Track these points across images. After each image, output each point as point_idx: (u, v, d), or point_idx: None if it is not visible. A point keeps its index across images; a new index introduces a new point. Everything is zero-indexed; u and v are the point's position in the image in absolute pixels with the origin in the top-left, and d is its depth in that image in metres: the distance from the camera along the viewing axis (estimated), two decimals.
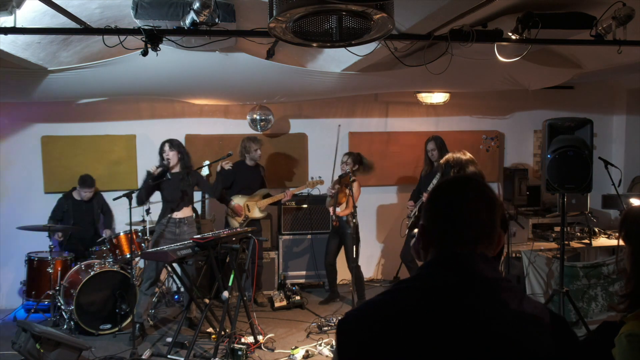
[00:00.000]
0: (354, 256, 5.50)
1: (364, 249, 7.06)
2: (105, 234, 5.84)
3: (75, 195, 5.97)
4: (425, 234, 1.26)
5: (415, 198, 5.84)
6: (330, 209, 5.68)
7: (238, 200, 5.93)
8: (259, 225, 6.03)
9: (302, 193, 6.59)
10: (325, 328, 5.19)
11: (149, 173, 5.03)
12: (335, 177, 5.81)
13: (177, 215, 5.14)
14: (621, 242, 1.78)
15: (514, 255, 5.41)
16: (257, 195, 6.07)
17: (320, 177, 6.14)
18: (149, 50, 3.52)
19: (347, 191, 5.53)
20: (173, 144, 5.12)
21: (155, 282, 5.13)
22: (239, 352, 4.44)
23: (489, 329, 1.11)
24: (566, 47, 5.11)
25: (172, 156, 5.06)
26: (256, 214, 6.01)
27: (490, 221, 1.21)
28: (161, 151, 5.10)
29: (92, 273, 5.14)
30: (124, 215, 4.94)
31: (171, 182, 5.05)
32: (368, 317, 1.16)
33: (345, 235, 5.72)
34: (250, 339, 4.84)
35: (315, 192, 6.68)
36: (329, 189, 5.85)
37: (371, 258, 7.16)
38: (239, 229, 5.38)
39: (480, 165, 7.10)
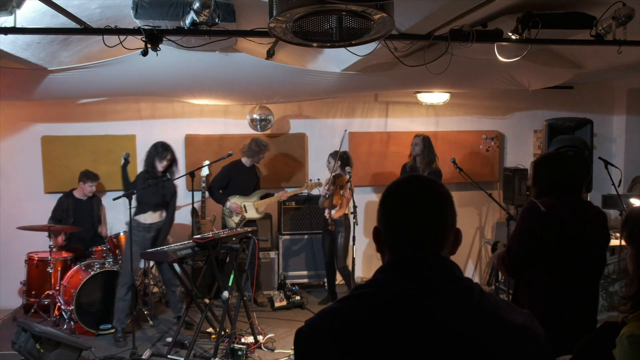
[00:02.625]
0: (344, 256, 5.51)
1: (363, 249, 7.08)
2: (102, 230, 5.86)
3: (76, 194, 5.97)
4: (378, 236, 1.24)
5: None
6: (326, 212, 5.67)
7: (235, 201, 5.93)
8: (255, 225, 6.02)
9: (301, 193, 6.60)
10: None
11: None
12: (330, 177, 5.79)
13: (147, 219, 5.09)
14: (623, 243, 1.78)
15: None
16: (254, 195, 6.07)
17: (319, 179, 6.14)
18: (149, 50, 3.52)
19: (342, 192, 5.53)
20: (173, 153, 5.11)
21: (131, 287, 5.03)
22: (239, 352, 4.44)
23: (444, 332, 1.08)
24: (566, 47, 5.11)
25: (165, 165, 5.05)
26: (253, 214, 6.01)
27: (441, 220, 1.18)
28: (161, 159, 5.03)
29: (92, 273, 5.14)
30: (124, 215, 4.94)
31: (155, 186, 5.03)
32: (324, 325, 1.14)
33: (336, 234, 5.72)
34: (250, 339, 4.84)
35: (315, 192, 6.68)
36: (322, 188, 5.83)
37: (371, 258, 7.16)
38: (238, 229, 5.39)
39: (480, 165, 7.13)
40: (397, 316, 1.09)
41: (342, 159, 5.73)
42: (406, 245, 1.18)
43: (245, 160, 6.02)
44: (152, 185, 4.99)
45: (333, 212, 5.66)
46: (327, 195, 5.64)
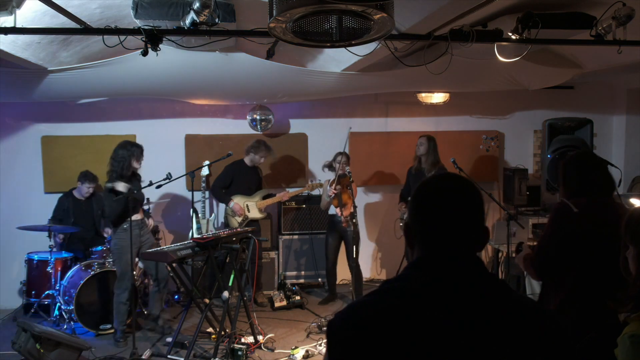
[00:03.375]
0: (355, 255, 5.50)
1: (364, 249, 7.08)
2: (107, 233, 5.84)
3: (76, 194, 5.97)
4: (409, 232, 1.26)
5: (406, 198, 5.85)
6: (337, 210, 5.66)
7: (237, 200, 5.93)
8: (257, 225, 6.03)
9: (302, 193, 6.60)
10: (325, 328, 5.18)
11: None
12: (333, 178, 5.78)
13: (137, 216, 5.08)
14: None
15: (514, 255, 5.40)
16: (256, 195, 6.07)
17: (320, 180, 6.14)
18: (149, 50, 3.52)
19: (349, 191, 5.52)
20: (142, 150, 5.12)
21: (133, 290, 5.01)
22: (239, 352, 4.44)
23: (472, 327, 1.10)
24: (566, 47, 5.11)
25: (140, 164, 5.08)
26: (255, 214, 6.01)
27: (472, 218, 1.21)
28: (138, 159, 5.05)
29: (92, 273, 5.14)
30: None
31: (137, 186, 5.03)
32: (355, 317, 1.17)
33: (347, 234, 5.71)
34: (250, 339, 4.84)
35: (315, 192, 6.68)
36: (329, 188, 5.81)
37: (372, 258, 7.17)
38: (239, 229, 5.39)
39: (480, 165, 7.14)
40: (426, 311, 1.12)
41: (348, 158, 5.74)
42: (437, 242, 1.20)
43: (247, 160, 6.02)
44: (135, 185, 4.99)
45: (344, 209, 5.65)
46: (333, 196, 5.63)
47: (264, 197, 6.10)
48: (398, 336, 1.10)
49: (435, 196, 1.23)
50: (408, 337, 1.09)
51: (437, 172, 5.57)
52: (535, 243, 3.37)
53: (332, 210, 5.82)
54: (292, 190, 6.32)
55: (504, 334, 1.11)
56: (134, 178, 5.08)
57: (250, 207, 5.99)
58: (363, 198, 6.97)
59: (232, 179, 5.98)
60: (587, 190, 2.60)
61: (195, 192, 5.93)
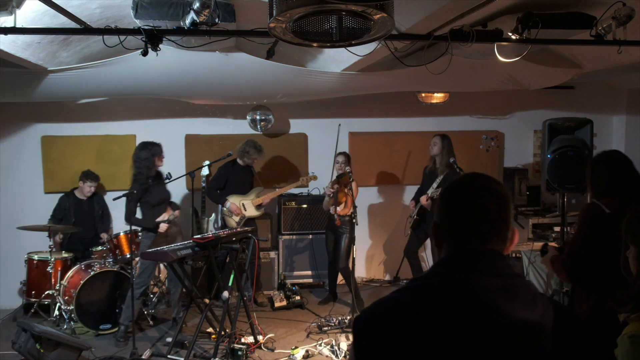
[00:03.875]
0: (347, 256, 5.50)
1: (365, 249, 7.08)
2: (103, 237, 5.85)
3: (77, 194, 5.97)
4: (438, 231, 1.28)
5: (418, 197, 5.83)
6: (331, 208, 5.67)
7: (233, 200, 5.93)
8: (255, 224, 6.02)
9: (302, 193, 6.60)
10: (325, 328, 5.19)
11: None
12: (334, 178, 5.80)
13: (164, 216, 5.15)
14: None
15: (514, 255, 5.42)
16: (251, 193, 6.08)
17: (313, 172, 6.14)
18: (149, 50, 3.52)
19: (347, 190, 5.52)
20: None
21: (148, 288, 5.12)
22: (239, 352, 4.44)
23: (499, 325, 1.12)
24: (566, 47, 5.11)
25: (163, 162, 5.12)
26: (252, 212, 6.01)
27: (500, 218, 1.22)
28: (160, 156, 5.08)
29: (92, 273, 5.14)
30: (124, 214, 4.94)
31: (158, 186, 5.10)
32: (382, 314, 1.18)
33: (340, 235, 5.71)
34: (250, 339, 4.84)
35: (315, 192, 6.68)
36: (327, 188, 5.82)
37: (372, 258, 7.17)
38: (239, 229, 5.39)
39: (480, 165, 7.14)
40: (454, 308, 1.12)
41: (348, 158, 5.74)
42: (466, 240, 1.21)
43: (240, 160, 6.02)
44: (154, 185, 5.04)
45: (338, 208, 5.65)
46: (332, 195, 5.63)
47: (259, 195, 6.11)
48: (424, 333, 1.11)
49: (465, 195, 1.24)
50: (434, 334, 1.11)
51: (451, 171, 5.49)
52: (557, 244, 3.30)
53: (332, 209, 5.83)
54: (287, 185, 6.32)
55: (531, 333, 1.12)
56: (158, 177, 5.13)
57: (247, 205, 5.99)
58: (363, 198, 6.96)
59: (226, 180, 5.99)
60: (619, 189, 2.54)
61: (195, 192, 5.93)
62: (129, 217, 4.90)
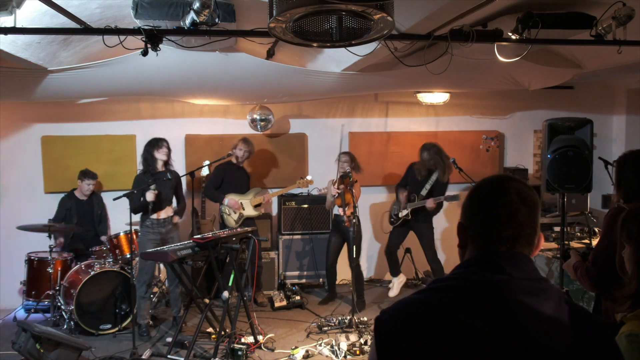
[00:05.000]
0: (355, 256, 5.50)
1: (365, 249, 7.08)
2: (103, 240, 5.87)
3: (77, 194, 5.98)
4: (464, 232, 1.26)
5: (413, 193, 5.88)
6: (340, 210, 5.67)
7: (232, 197, 5.93)
8: (254, 224, 6.02)
9: (302, 193, 6.60)
10: (325, 328, 5.19)
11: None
12: (337, 178, 5.79)
13: (162, 215, 5.18)
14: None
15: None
16: (250, 193, 6.08)
17: (310, 177, 6.16)
18: (149, 50, 3.52)
19: (351, 191, 5.52)
20: (166, 141, 5.20)
21: (151, 284, 5.16)
22: (239, 352, 4.44)
23: (523, 328, 1.11)
24: (566, 47, 5.11)
25: (167, 155, 5.14)
26: (250, 211, 6.01)
27: (530, 222, 1.20)
28: (158, 148, 5.11)
29: (92, 273, 5.14)
30: (124, 215, 4.94)
31: (162, 183, 5.11)
32: (405, 314, 1.16)
33: (349, 235, 5.71)
34: (250, 339, 4.85)
35: (315, 192, 6.68)
36: (332, 188, 5.81)
37: (372, 258, 7.17)
38: (238, 229, 5.39)
39: (480, 165, 7.14)
40: (480, 311, 1.11)
41: (355, 161, 5.74)
42: (493, 242, 1.20)
43: (233, 159, 6.03)
44: (156, 182, 5.05)
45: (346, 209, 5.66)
46: (337, 195, 5.63)
47: (257, 195, 6.11)
48: (446, 334, 1.09)
49: (496, 197, 1.22)
50: (457, 335, 1.09)
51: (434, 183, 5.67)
52: (580, 246, 3.16)
53: (337, 210, 5.83)
54: (283, 188, 6.35)
55: (554, 337, 1.12)
56: (162, 174, 5.15)
57: (245, 204, 5.99)
58: (363, 198, 6.95)
59: (222, 179, 5.99)
60: None
61: (195, 192, 5.93)
62: (133, 209, 4.96)
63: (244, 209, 5.97)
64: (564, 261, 2.82)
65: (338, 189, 5.62)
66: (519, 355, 1.09)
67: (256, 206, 6.07)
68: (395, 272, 6.13)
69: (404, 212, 5.89)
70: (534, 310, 1.12)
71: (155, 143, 5.15)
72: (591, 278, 2.54)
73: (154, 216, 5.15)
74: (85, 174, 5.88)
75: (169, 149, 5.23)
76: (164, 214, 5.22)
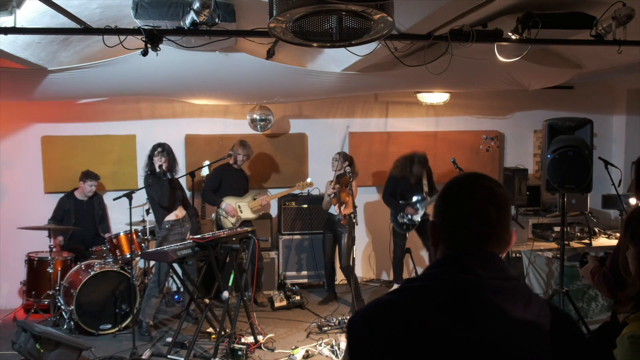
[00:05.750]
0: (348, 256, 5.51)
1: (364, 249, 7.08)
2: (107, 238, 5.87)
3: (77, 194, 5.97)
4: (435, 231, 1.26)
5: (406, 204, 5.95)
6: (335, 208, 5.67)
7: (229, 201, 5.92)
8: (252, 225, 6.01)
9: (301, 193, 6.59)
10: (325, 328, 5.19)
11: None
12: (333, 178, 5.79)
13: (179, 215, 5.24)
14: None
15: (514, 255, 5.41)
16: (248, 196, 6.08)
17: (309, 180, 6.17)
18: (149, 50, 3.52)
19: (348, 190, 5.52)
20: (165, 148, 5.16)
21: (164, 287, 5.26)
22: (239, 352, 4.44)
23: (494, 326, 1.11)
24: (566, 47, 5.11)
25: (163, 161, 5.12)
26: (248, 214, 6.01)
27: (500, 220, 1.20)
28: (156, 155, 5.13)
29: (92, 273, 5.14)
30: (124, 215, 4.94)
31: (162, 183, 5.12)
32: (378, 316, 1.17)
33: (340, 235, 5.72)
34: (250, 339, 4.84)
35: (315, 192, 6.68)
36: (328, 188, 5.81)
37: (371, 258, 7.17)
38: (238, 229, 5.38)
39: (480, 165, 7.14)
40: (450, 311, 1.12)
41: (349, 160, 5.75)
42: (463, 242, 1.20)
43: (231, 162, 6.01)
44: (157, 184, 5.06)
45: (342, 208, 5.67)
46: (332, 195, 5.63)
47: (256, 198, 6.10)
48: (415, 334, 1.10)
49: (465, 196, 1.22)
50: (425, 335, 1.10)
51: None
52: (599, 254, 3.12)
53: (332, 209, 5.83)
54: (282, 191, 6.35)
55: (526, 336, 1.12)
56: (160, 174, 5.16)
57: (243, 207, 5.98)
58: (362, 198, 6.97)
59: (220, 181, 5.98)
60: None
61: (195, 192, 5.93)
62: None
63: (241, 212, 5.96)
64: (581, 266, 2.78)
65: (333, 188, 5.63)
66: (486, 354, 1.09)
67: (254, 209, 6.07)
68: (399, 280, 6.22)
69: (421, 214, 5.95)
70: (502, 309, 1.12)
71: (155, 148, 5.16)
72: (608, 283, 2.52)
73: (172, 217, 5.18)
74: (88, 175, 5.88)
75: (169, 156, 5.15)
76: (180, 213, 5.27)
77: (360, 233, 6.77)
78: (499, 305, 1.13)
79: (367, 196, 7.03)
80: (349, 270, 5.65)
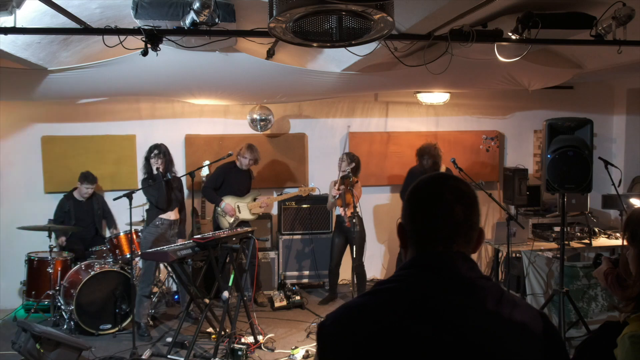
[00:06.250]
0: (358, 256, 5.51)
1: (367, 249, 7.07)
2: (113, 233, 5.90)
3: (76, 195, 5.97)
4: (403, 232, 1.25)
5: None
6: (341, 210, 5.67)
7: (229, 201, 5.92)
8: (250, 226, 6.01)
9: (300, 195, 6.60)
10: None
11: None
12: (338, 178, 5.80)
13: (172, 216, 5.24)
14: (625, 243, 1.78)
15: (514, 255, 5.41)
16: (248, 197, 6.07)
17: (312, 184, 6.18)
18: (149, 50, 3.52)
19: (352, 191, 5.53)
20: (161, 150, 5.16)
21: (155, 284, 5.21)
22: (239, 352, 4.44)
23: (465, 327, 1.10)
24: (566, 47, 5.11)
25: (160, 163, 5.12)
26: (246, 215, 6.01)
27: (467, 220, 1.19)
28: (153, 157, 5.14)
29: (92, 273, 5.14)
30: (124, 215, 4.94)
31: (162, 184, 5.14)
32: (347, 319, 1.16)
33: (351, 235, 5.72)
34: (250, 339, 4.84)
35: (315, 192, 6.68)
36: (332, 189, 5.81)
37: (372, 258, 7.15)
38: (238, 229, 5.38)
39: (480, 165, 7.14)
40: (419, 312, 1.11)
41: (356, 161, 5.74)
42: (431, 242, 1.19)
43: (238, 163, 6.01)
44: (154, 186, 5.07)
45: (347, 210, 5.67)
46: (337, 196, 5.63)
47: (256, 199, 6.10)
48: (384, 337, 1.09)
49: (430, 197, 1.21)
50: (398, 340, 1.09)
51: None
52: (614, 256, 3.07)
53: (339, 210, 5.83)
54: (283, 194, 6.35)
55: (498, 336, 1.11)
56: (159, 176, 5.17)
57: (242, 208, 5.98)
58: (363, 197, 6.95)
59: (222, 180, 5.98)
60: None
61: (195, 192, 5.92)
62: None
63: (239, 213, 5.96)
64: (595, 268, 2.78)
65: (338, 189, 5.63)
66: (456, 355, 1.08)
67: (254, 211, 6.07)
68: None
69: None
70: (471, 308, 1.12)
71: (152, 150, 5.17)
72: (622, 286, 2.48)
73: (165, 216, 5.18)
74: (86, 178, 5.85)
75: (165, 158, 5.15)
76: (174, 215, 5.26)
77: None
78: (468, 305, 1.12)
79: (367, 196, 7.01)
80: (362, 269, 5.70)
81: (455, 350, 1.08)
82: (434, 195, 1.21)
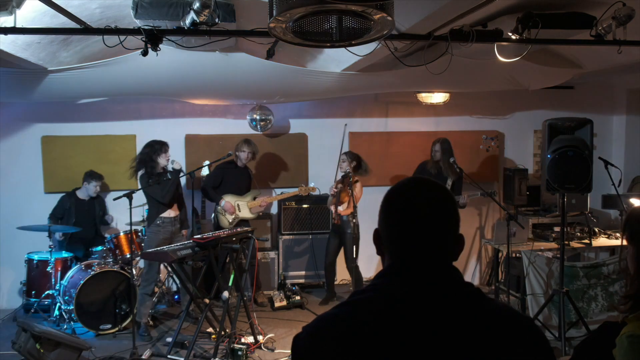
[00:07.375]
0: (354, 256, 5.50)
1: (364, 249, 7.07)
2: (110, 220, 5.93)
3: (79, 194, 5.97)
4: (379, 239, 1.22)
5: None
6: (332, 207, 5.68)
7: (229, 199, 5.93)
8: (249, 225, 6.01)
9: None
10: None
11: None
12: (339, 177, 5.81)
13: (172, 213, 5.24)
14: (624, 243, 1.78)
15: (514, 255, 5.41)
16: (248, 195, 6.08)
17: (313, 184, 6.17)
18: (149, 50, 3.52)
19: (349, 190, 5.53)
20: (167, 145, 5.26)
21: (156, 284, 5.20)
22: (239, 352, 4.44)
23: (443, 337, 1.07)
24: (566, 47, 5.11)
25: (169, 156, 5.20)
26: (246, 214, 6.01)
27: (444, 226, 1.16)
28: (164, 152, 5.16)
29: (92, 273, 5.14)
30: (124, 215, 4.94)
31: (167, 183, 5.16)
32: (322, 331, 1.13)
33: (345, 235, 5.73)
34: (250, 339, 4.84)
35: (315, 192, 6.68)
36: (331, 187, 5.84)
37: (372, 258, 7.15)
38: (238, 229, 5.38)
39: (480, 165, 7.14)
40: (396, 322, 1.08)
41: (357, 159, 5.75)
42: (407, 250, 1.16)
43: (237, 160, 6.02)
44: (159, 183, 5.09)
45: (340, 208, 5.68)
46: (334, 194, 5.65)
47: (255, 198, 6.11)
48: (361, 349, 1.06)
49: (404, 202, 1.17)
50: (377, 350, 1.06)
51: (458, 179, 5.79)
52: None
53: (332, 208, 5.84)
54: (283, 193, 6.34)
55: (478, 346, 1.07)
56: (163, 176, 5.20)
57: (241, 206, 5.98)
58: (363, 198, 6.95)
59: (222, 179, 5.99)
60: None
61: (195, 192, 5.93)
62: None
63: (239, 211, 5.96)
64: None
65: (336, 187, 5.64)
66: None
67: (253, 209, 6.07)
68: None
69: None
70: (448, 317, 1.08)
71: (159, 148, 5.17)
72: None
73: (165, 214, 5.18)
74: (92, 176, 5.89)
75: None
76: (173, 212, 5.27)
77: (361, 233, 6.75)
78: (443, 312, 1.08)
79: (367, 196, 7.00)
80: (357, 271, 5.70)
81: (431, 358, 1.06)
82: (407, 202, 1.17)
